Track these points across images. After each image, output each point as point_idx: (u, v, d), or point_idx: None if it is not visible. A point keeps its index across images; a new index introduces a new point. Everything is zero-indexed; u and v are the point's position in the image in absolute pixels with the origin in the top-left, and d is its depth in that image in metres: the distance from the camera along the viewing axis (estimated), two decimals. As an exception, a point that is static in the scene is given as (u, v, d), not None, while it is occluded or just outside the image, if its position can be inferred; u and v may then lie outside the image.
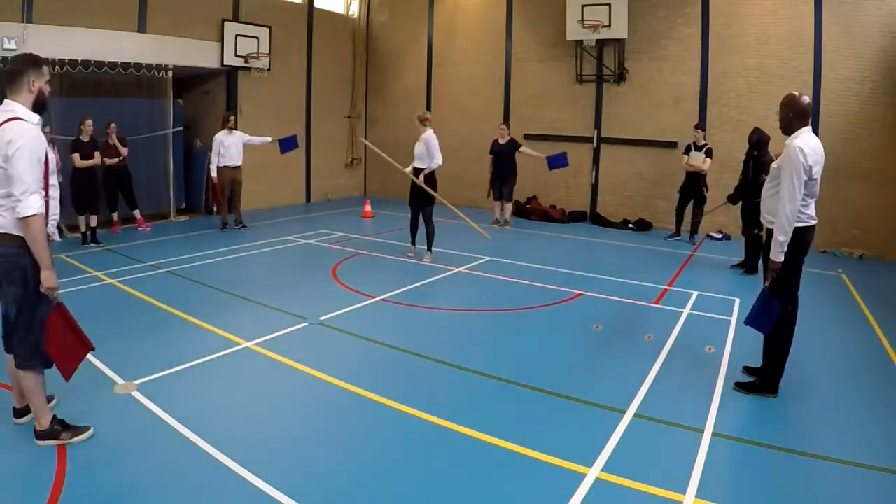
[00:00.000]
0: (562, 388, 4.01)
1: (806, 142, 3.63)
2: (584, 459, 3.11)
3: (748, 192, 7.35)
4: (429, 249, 7.74)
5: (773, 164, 3.85)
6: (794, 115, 3.73)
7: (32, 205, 2.84)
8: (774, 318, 3.78)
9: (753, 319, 3.88)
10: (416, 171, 7.48)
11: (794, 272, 3.83)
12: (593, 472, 3.00)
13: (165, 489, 2.80)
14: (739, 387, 4.02)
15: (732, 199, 7.79)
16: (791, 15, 9.26)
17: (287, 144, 9.37)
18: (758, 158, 7.23)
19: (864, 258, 8.81)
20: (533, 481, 2.94)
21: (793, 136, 3.72)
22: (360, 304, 5.81)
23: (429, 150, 7.39)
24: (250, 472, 2.92)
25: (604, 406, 3.77)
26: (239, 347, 4.60)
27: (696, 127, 9.27)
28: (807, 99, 3.76)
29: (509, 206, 10.52)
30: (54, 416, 3.17)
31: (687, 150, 9.27)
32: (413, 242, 7.88)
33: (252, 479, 2.88)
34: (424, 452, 3.23)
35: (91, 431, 3.22)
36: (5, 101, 2.95)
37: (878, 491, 2.95)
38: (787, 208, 3.59)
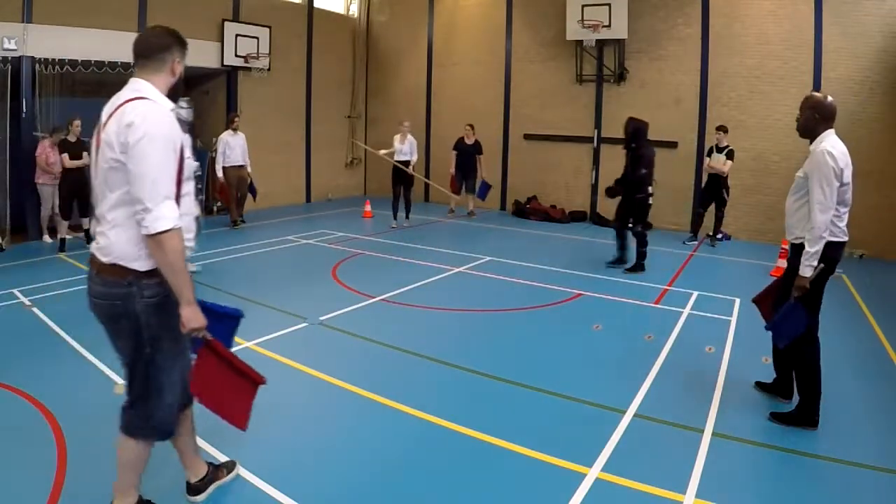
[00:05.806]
0: (562, 388, 4.01)
1: (833, 145, 3.38)
2: (584, 459, 3.11)
3: (629, 187, 7.02)
4: (407, 217, 10.48)
5: (799, 173, 3.58)
6: (822, 118, 3.47)
7: (167, 215, 2.00)
8: (797, 330, 3.53)
9: (774, 324, 3.64)
10: (406, 163, 10.02)
11: (818, 291, 3.60)
12: (593, 472, 3.00)
13: (165, 489, 2.80)
14: (775, 417, 3.66)
15: (610, 193, 7.33)
16: (791, 15, 9.26)
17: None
18: (635, 150, 6.94)
19: (864, 258, 8.81)
20: (533, 481, 2.94)
21: (818, 140, 3.50)
22: (360, 304, 5.81)
23: (413, 150, 10.16)
24: (249, 472, 2.93)
25: (604, 406, 3.77)
26: (239, 347, 4.59)
27: (718, 129, 9.08)
28: (832, 100, 3.55)
29: (470, 198, 11.59)
30: (140, 498, 2.45)
31: (709, 153, 9.20)
32: (395, 217, 10.33)
33: (251, 478, 2.89)
34: (424, 452, 3.23)
35: None
36: (132, 79, 2.21)
37: (879, 491, 2.95)
38: (818, 217, 3.36)
